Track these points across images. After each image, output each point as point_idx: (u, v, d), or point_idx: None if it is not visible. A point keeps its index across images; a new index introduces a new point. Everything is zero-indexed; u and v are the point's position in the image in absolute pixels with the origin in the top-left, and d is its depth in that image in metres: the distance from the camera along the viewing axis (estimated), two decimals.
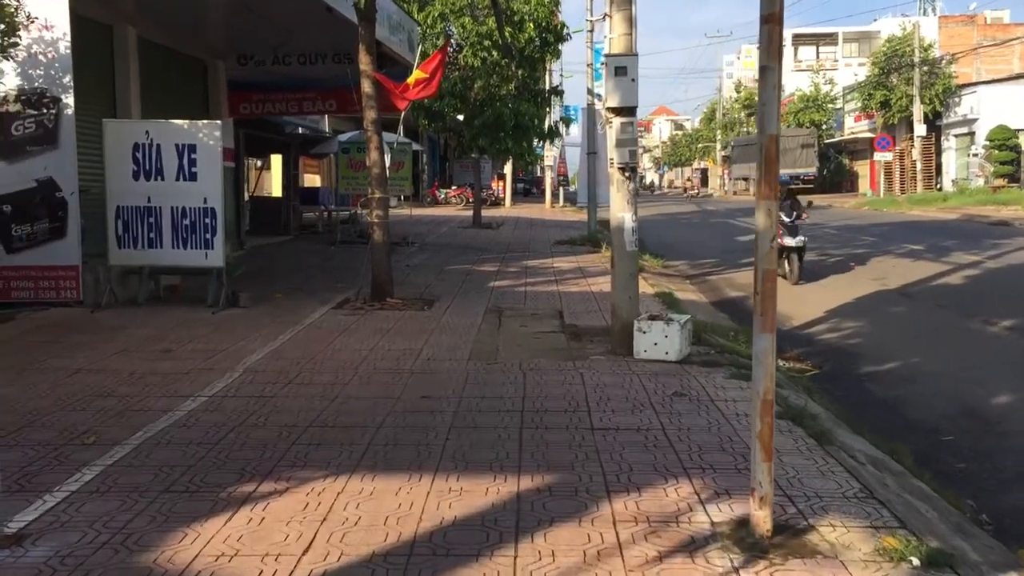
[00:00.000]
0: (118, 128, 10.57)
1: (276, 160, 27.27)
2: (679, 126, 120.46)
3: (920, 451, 6.00)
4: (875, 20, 77.50)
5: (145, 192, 10.39)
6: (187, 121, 10.44)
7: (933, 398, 7.53)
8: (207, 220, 10.34)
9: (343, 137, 21.06)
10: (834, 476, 4.79)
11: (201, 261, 10.46)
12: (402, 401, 6.34)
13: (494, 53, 22.52)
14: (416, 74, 10.88)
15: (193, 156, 10.26)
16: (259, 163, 27.43)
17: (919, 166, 43.42)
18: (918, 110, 42.04)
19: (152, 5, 13.08)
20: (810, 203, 16.68)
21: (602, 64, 7.78)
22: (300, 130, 24.09)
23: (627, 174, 7.83)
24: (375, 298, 10.74)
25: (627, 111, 7.76)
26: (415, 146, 28.20)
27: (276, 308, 10.57)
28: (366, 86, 10.62)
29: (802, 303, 12.58)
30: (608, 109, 7.78)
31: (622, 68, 7.65)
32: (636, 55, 7.72)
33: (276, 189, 27.15)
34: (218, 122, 10.45)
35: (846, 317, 11.19)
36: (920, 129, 42.33)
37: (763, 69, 3.81)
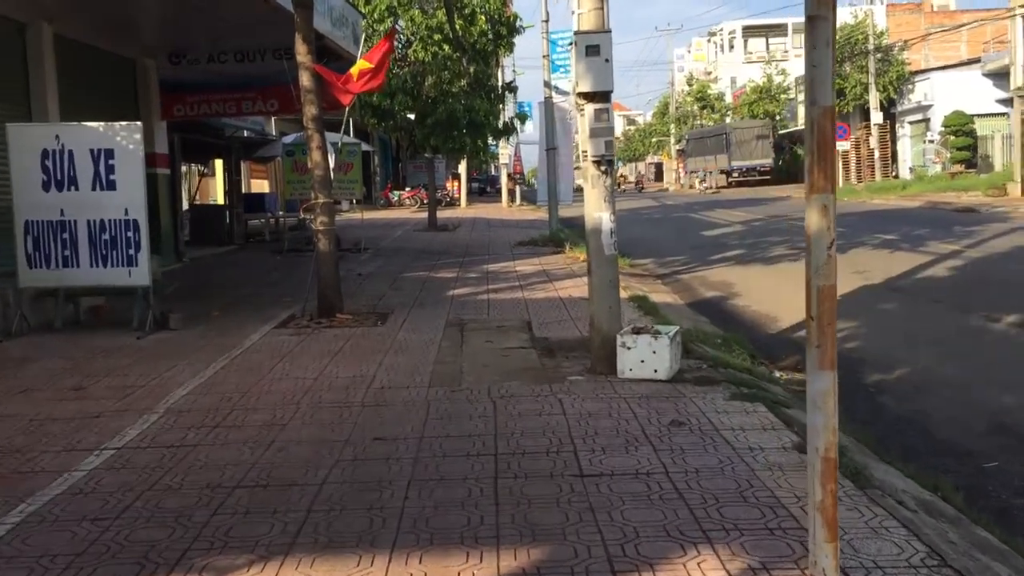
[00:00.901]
0: (22, 133, 9.37)
1: (220, 165, 25.98)
2: (631, 121, 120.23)
3: (965, 483, 5.11)
4: None
5: (57, 204, 9.22)
6: (103, 123, 9.28)
7: (957, 411, 6.68)
8: (129, 234, 9.21)
9: (288, 139, 19.85)
10: (889, 534, 3.86)
11: (124, 280, 9.32)
12: (351, 446, 5.31)
13: (445, 47, 21.48)
14: (360, 64, 9.83)
15: (111, 162, 9.12)
16: (204, 169, 26.11)
17: (876, 154, 43.15)
18: (874, 98, 41.79)
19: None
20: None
21: (571, 44, 6.80)
22: (246, 133, 22.88)
23: (603, 168, 6.87)
24: (323, 314, 9.68)
25: (601, 96, 6.80)
26: (365, 147, 27.05)
27: (212, 329, 9.46)
28: (305, 79, 9.55)
29: (785, 300, 11.74)
30: (579, 95, 6.82)
31: (594, 47, 6.69)
32: (609, 32, 6.76)
33: (221, 196, 25.86)
34: (138, 124, 9.32)
35: (838, 316, 10.32)
36: (876, 117, 42.09)
37: (811, 20, 2.86)
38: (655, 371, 6.66)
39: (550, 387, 6.58)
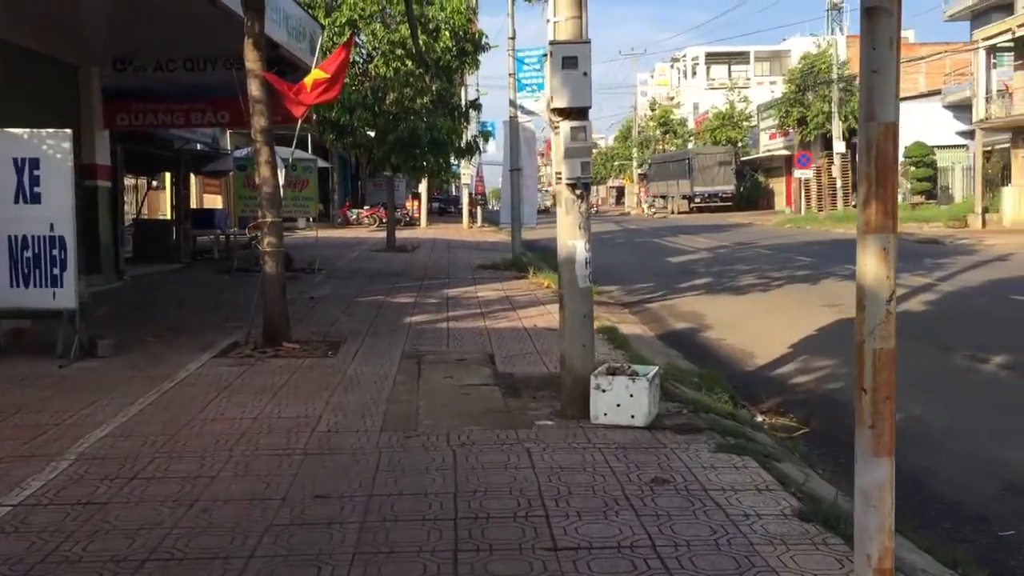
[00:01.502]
0: None
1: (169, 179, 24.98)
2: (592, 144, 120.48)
3: (984, 555, 4.53)
4: (783, 40, 78.78)
5: None
6: (28, 130, 8.47)
7: (962, 468, 6.12)
8: (55, 252, 8.38)
9: (239, 153, 19.00)
10: None
11: (47, 302, 8.48)
12: (288, 506, 4.59)
13: (408, 63, 20.84)
14: (315, 74, 9.13)
15: (36, 173, 8.30)
16: (154, 182, 25.12)
17: (839, 183, 43.26)
18: (837, 127, 41.89)
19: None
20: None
21: (545, 56, 6.18)
22: (199, 146, 21.98)
23: (578, 192, 6.25)
24: (268, 342, 8.92)
25: (578, 112, 6.19)
26: (322, 163, 26.25)
27: (144, 357, 8.65)
28: (254, 88, 8.84)
29: (759, 334, 11.20)
30: (554, 111, 6.20)
31: (571, 59, 6.08)
32: (588, 42, 6.16)
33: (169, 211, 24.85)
34: (67, 131, 8.51)
35: (816, 353, 9.81)
36: (839, 146, 42.19)
37: (870, 14, 2.25)
38: (632, 416, 6.03)
39: (516, 434, 5.90)
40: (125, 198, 21.20)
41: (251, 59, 8.80)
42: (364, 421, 6.26)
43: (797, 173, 42.56)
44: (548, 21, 6.30)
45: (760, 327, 11.81)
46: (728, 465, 5.26)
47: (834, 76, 42.30)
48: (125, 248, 16.47)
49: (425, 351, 9.05)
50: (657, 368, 6.45)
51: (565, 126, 6.18)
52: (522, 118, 18.48)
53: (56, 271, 8.37)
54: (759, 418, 7.30)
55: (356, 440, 5.79)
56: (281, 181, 9.34)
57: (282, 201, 9.46)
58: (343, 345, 9.31)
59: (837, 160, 42.97)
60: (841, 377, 8.75)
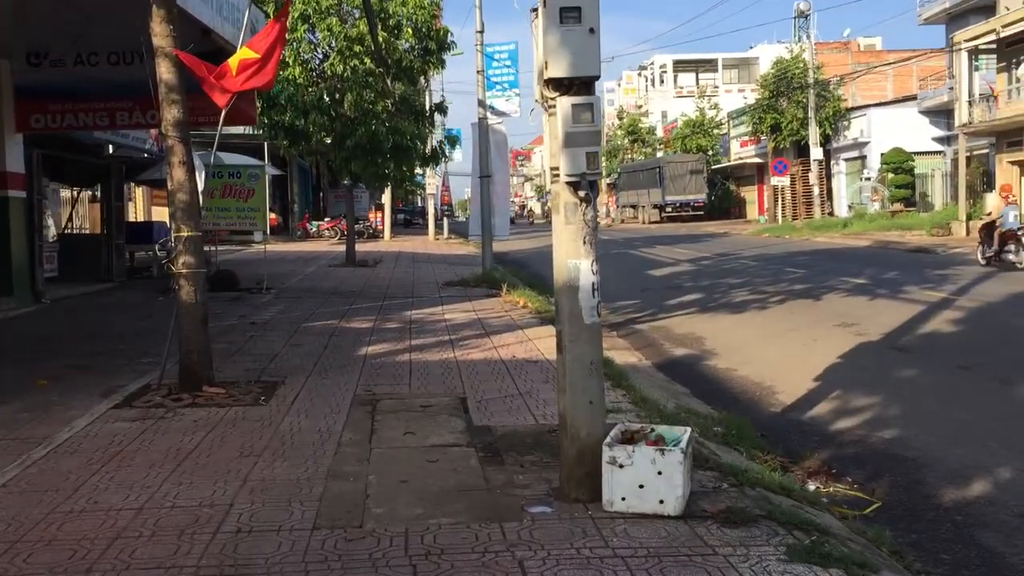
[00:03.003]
0: None
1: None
2: None
3: None
4: (751, 47, 78.00)
5: None
6: None
7: None
8: None
9: None
10: None
11: None
12: None
13: (366, 61, 19.12)
14: (242, 54, 7.39)
15: None
16: (94, 193, 23.08)
17: (816, 191, 42.09)
18: (814, 133, 40.72)
19: None
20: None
21: (533, 11, 4.52)
22: (145, 153, 20.06)
23: (582, 193, 4.59)
24: (185, 386, 7.16)
25: (582, 85, 4.54)
26: (273, 170, 24.36)
27: (24, 409, 6.85)
28: (164, 70, 7.11)
29: (772, 361, 9.62)
30: (549, 83, 4.55)
31: (572, 10, 4.43)
32: None
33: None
34: None
35: (849, 388, 8.22)
36: (816, 152, 41.03)
37: None
38: (661, 502, 4.37)
39: (502, 531, 4.22)
40: (56, 211, 19.28)
41: (160, 34, 7.08)
42: (291, 511, 4.54)
43: (774, 180, 41.31)
44: None
45: (772, 353, 10.22)
46: None
47: (811, 80, 41.13)
48: (46, 267, 14.57)
49: (382, 394, 7.33)
50: (689, 431, 4.78)
51: (564, 104, 4.52)
52: (492, 119, 16.87)
53: None
54: (810, 484, 5.66)
55: (276, 546, 4.08)
56: (200, 187, 7.60)
57: (202, 212, 7.71)
58: (280, 387, 7.56)
59: (815, 167, 41.83)
60: (892, 421, 7.16)
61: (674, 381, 8.97)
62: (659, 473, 4.39)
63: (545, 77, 4.55)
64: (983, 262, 19.03)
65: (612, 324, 12.99)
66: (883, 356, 9.74)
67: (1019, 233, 18.26)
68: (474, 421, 6.42)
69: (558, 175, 4.66)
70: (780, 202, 45.04)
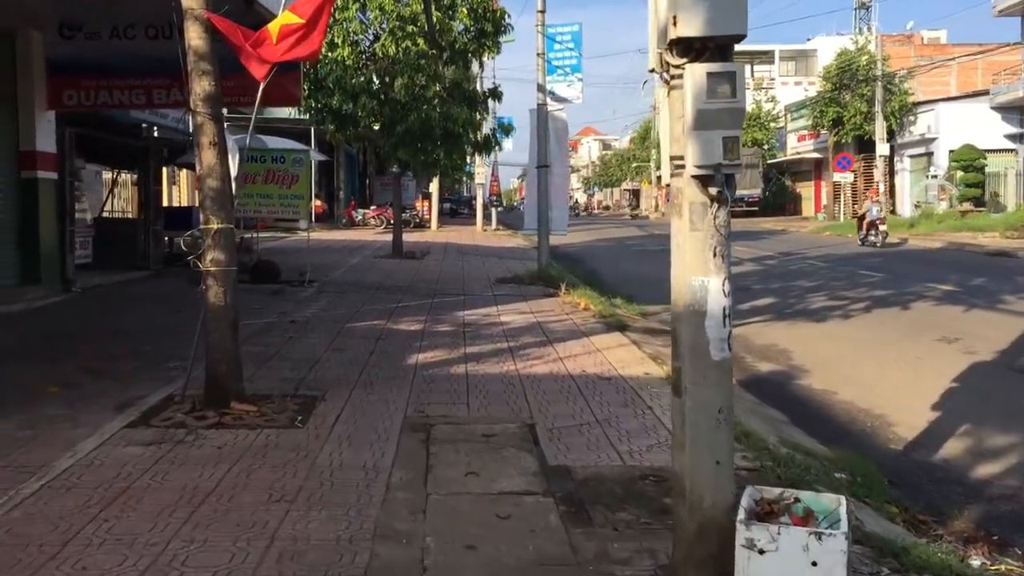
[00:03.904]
0: None
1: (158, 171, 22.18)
2: (607, 146, 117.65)
3: None
4: (809, 40, 75.76)
5: None
6: None
7: None
8: None
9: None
10: None
11: None
12: None
13: (419, 42, 18.12)
14: (284, 18, 6.39)
15: None
16: (136, 175, 22.35)
17: (882, 188, 40.30)
18: (880, 127, 38.97)
19: None
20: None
21: None
22: (189, 134, 19.26)
23: (715, 191, 3.50)
24: (211, 402, 6.21)
25: (719, 49, 3.46)
26: (318, 155, 23.48)
27: (28, 422, 5.94)
28: (194, 35, 6.13)
29: (874, 386, 8.43)
30: (675, 45, 3.46)
31: None
32: None
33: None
34: None
35: (979, 421, 7.02)
36: (883, 148, 39.27)
37: None
38: None
39: None
40: (98, 192, 18.56)
41: None
42: None
43: (836, 176, 39.65)
44: None
45: (872, 372, 9.04)
46: None
47: (878, 73, 39.36)
48: (78, 253, 13.79)
49: (436, 417, 6.31)
50: (845, 503, 3.66)
51: (696, 72, 3.42)
52: (552, 106, 15.75)
53: None
54: (972, 559, 4.53)
55: None
56: (234, 172, 6.64)
57: (237, 199, 6.76)
58: (320, 404, 6.58)
59: (880, 163, 40.07)
60: None
61: (764, 403, 7.84)
62: (814, 564, 3.29)
63: (671, 37, 3.46)
64: None
65: None
66: (1004, 381, 8.53)
67: None
68: (548, 458, 5.37)
69: (681, 166, 3.58)
70: (841, 199, 43.26)
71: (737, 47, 3.58)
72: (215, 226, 6.20)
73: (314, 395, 6.86)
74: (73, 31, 12.06)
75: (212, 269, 6.22)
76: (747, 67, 74.26)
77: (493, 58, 20.74)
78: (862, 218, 28.86)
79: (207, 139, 6.17)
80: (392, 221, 28.17)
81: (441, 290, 14.45)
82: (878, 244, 27.46)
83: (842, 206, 42.66)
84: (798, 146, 54.46)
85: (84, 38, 12.06)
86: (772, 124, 58.97)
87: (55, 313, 11.17)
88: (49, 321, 10.59)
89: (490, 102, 20.85)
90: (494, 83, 33.42)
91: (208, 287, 6.25)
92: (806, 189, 56.61)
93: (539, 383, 7.46)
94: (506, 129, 21.49)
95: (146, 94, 12.57)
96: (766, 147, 57.69)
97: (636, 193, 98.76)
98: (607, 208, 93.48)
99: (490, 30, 19.26)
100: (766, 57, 75.07)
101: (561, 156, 16.03)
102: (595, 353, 8.91)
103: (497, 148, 22.31)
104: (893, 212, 41.78)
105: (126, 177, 20.77)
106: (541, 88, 15.66)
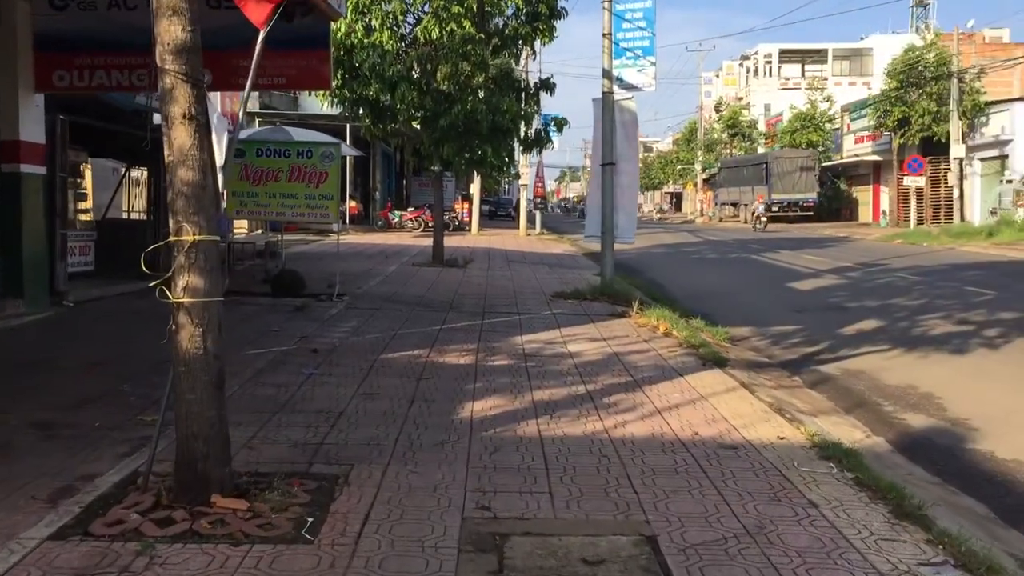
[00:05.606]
0: None
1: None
2: (648, 148, 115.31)
3: None
4: (862, 38, 72.92)
5: None
6: None
7: None
8: None
9: (243, 134, 14.28)
10: None
11: None
12: None
13: (466, 25, 16.16)
14: None
15: None
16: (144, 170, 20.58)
17: (956, 193, 37.70)
18: (956, 127, 36.40)
19: None
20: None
21: None
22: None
23: None
24: (184, 493, 4.27)
25: None
26: (350, 150, 21.54)
27: None
28: None
29: None
30: None
31: None
32: None
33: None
34: None
35: None
36: (958, 149, 36.68)
37: None
38: None
39: None
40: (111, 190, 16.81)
41: None
42: None
43: (907, 180, 37.07)
44: None
45: None
46: None
47: (954, 69, 36.80)
48: (76, 259, 11.99)
49: (508, 519, 4.30)
50: None
51: None
52: (619, 95, 13.72)
53: None
54: None
55: None
56: (219, 161, 4.69)
57: (218, 198, 4.83)
58: (341, 493, 4.59)
59: (955, 165, 37.45)
60: None
61: (945, 482, 5.75)
62: None
63: None
64: None
65: (785, 362, 9.78)
66: None
67: None
68: None
69: None
70: (910, 205, 40.55)
71: (788, 46, 1.61)
72: (190, 238, 4.27)
73: (334, 474, 4.89)
74: (65, 1, 10.28)
75: (185, 300, 4.28)
76: (799, 66, 71.96)
77: (546, 43, 18.69)
78: None
79: (179, 109, 4.23)
80: (430, 223, 26.28)
81: (491, 307, 12.43)
82: None
83: (912, 211, 39.92)
84: (855, 148, 51.84)
85: (78, 8, 10.27)
86: (827, 125, 56.35)
87: (32, 335, 9.34)
88: (19, 346, 8.75)
89: (542, 93, 18.81)
90: (540, 73, 31.41)
91: (179, 327, 4.31)
92: (863, 194, 53.90)
93: (642, 454, 5.43)
94: (559, 124, 19.34)
95: (150, 75, 10.69)
96: (821, 149, 55.06)
97: (678, 196, 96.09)
98: (663, 211, 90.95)
99: (544, 12, 17.24)
100: (819, 56, 72.41)
101: (631, 153, 13.93)
102: (700, 402, 6.86)
103: (550, 145, 20.23)
104: (962, 219, 39.16)
105: (140, 174, 19.00)
106: (607, 74, 13.58)
